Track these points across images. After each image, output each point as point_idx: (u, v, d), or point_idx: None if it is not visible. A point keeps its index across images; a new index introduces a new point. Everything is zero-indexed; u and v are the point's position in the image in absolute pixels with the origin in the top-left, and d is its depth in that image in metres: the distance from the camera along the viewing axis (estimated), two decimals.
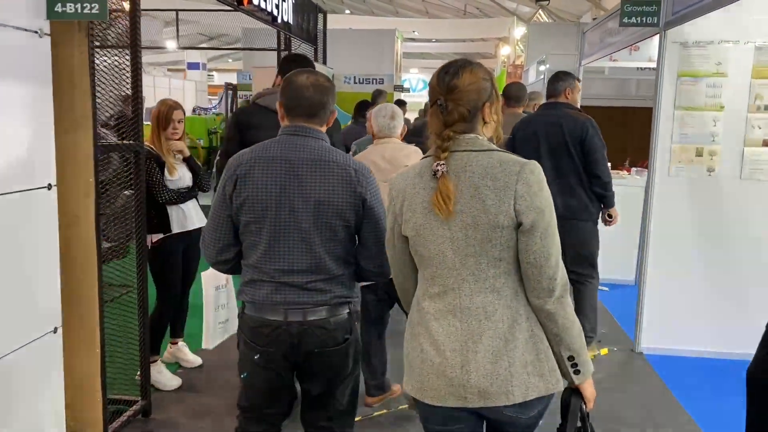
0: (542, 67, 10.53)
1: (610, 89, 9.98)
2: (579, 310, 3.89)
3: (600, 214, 4.33)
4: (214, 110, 17.05)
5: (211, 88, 25.47)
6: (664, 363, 4.30)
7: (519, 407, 1.66)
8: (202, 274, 3.07)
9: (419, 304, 1.76)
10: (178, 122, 3.55)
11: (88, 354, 2.90)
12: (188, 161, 3.71)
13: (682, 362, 4.33)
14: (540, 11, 15.79)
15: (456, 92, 1.66)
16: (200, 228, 3.73)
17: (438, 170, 1.63)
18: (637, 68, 9.55)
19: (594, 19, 13.32)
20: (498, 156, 1.66)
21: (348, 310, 2.14)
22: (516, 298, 1.67)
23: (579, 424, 1.75)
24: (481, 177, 1.63)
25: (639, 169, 6.40)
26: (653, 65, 7.93)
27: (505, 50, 21.18)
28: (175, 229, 3.58)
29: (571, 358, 1.69)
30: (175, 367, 4.01)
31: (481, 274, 1.65)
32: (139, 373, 3.34)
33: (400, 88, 14.04)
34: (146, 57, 27.70)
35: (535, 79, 11.11)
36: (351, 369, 2.19)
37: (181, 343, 4.02)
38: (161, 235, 3.55)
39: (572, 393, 1.76)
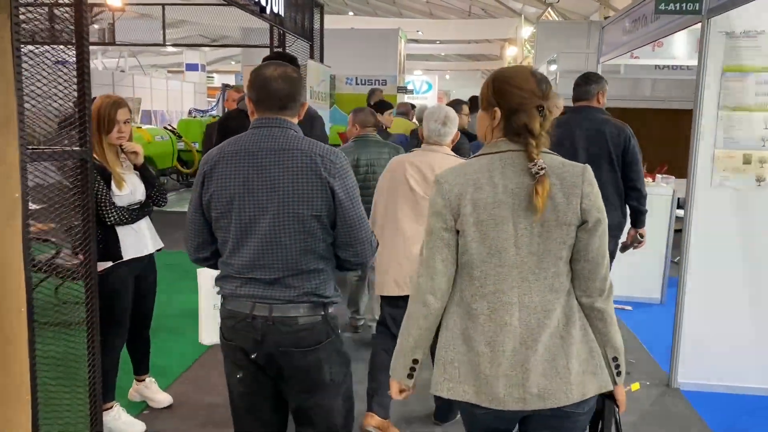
0: (553, 67, 9.98)
1: (624, 90, 9.41)
2: None
3: (627, 235, 3.95)
4: (212, 112, 16.55)
5: (210, 90, 25.04)
6: (707, 401, 3.74)
7: (576, 404, 1.67)
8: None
9: (468, 305, 1.71)
10: (124, 123, 2.92)
11: (15, 404, 2.35)
12: (141, 170, 3.08)
13: (728, 401, 3.76)
14: (549, 9, 15.27)
15: (551, 98, 1.74)
16: (154, 253, 3.18)
17: (543, 170, 1.63)
18: (656, 67, 9.03)
19: (606, 18, 12.81)
20: (556, 157, 1.72)
21: (323, 312, 2.02)
22: (569, 296, 1.71)
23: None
24: (547, 176, 1.64)
25: (665, 175, 5.85)
26: (676, 63, 7.42)
27: (511, 51, 20.66)
28: (128, 254, 2.97)
29: (615, 358, 1.73)
30: (142, 406, 3.47)
31: (541, 273, 1.67)
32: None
33: (403, 90, 13.60)
34: (147, 59, 27.31)
35: None
36: (331, 380, 2.06)
37: (148, 380, 3.48)
38: (109, 263, 2.93)
39: (605, 398, 1.79)
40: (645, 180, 5.70)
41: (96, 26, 8.95)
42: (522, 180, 1.66)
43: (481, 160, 1.72)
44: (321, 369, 2.03)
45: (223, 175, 1.97)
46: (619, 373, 1.74)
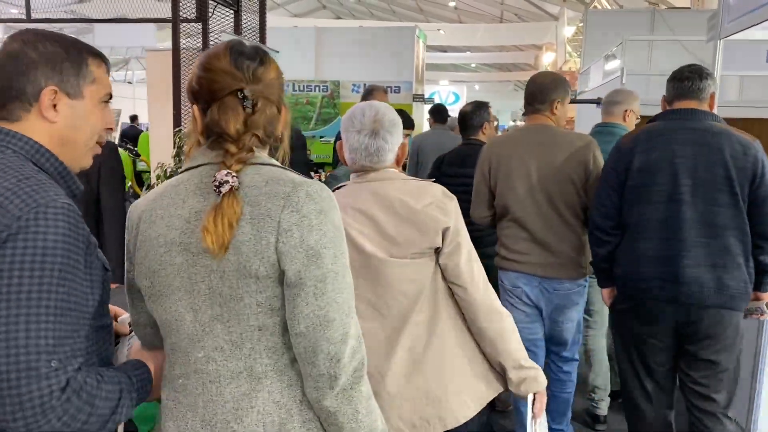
0: (613, 63, 7.41)
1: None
2: None
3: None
4: None
5: None
6: None
7: None
8: None
9: (163, 395, 1.23)
10: None
11: None
12: None
13: None
14: None
15: (264, 84, 1.16)
16: None
17: (230, 183, 1.06)
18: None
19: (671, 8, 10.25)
20: (269, 171, 1.13)
21: None
22: (288, 390, 1.13)
23: None
24: (235, 196, 1.12)
25: None
26: None
27: (548, 57, 18.20)
28: None
29: None
30: None
31: (234, 351, 1.11)
32: None
33: (420, 98, 11.35)
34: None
35: (601, 81, 7.83)
36: None
37: None
38: None
39: None
40: None
41: None
42: (205, 208, 1.09)
43: (172, 180, 1.20)
44: None
45: None
46: None
